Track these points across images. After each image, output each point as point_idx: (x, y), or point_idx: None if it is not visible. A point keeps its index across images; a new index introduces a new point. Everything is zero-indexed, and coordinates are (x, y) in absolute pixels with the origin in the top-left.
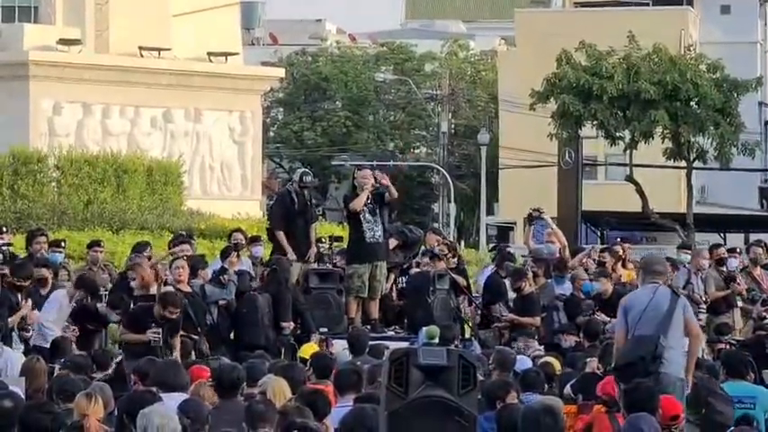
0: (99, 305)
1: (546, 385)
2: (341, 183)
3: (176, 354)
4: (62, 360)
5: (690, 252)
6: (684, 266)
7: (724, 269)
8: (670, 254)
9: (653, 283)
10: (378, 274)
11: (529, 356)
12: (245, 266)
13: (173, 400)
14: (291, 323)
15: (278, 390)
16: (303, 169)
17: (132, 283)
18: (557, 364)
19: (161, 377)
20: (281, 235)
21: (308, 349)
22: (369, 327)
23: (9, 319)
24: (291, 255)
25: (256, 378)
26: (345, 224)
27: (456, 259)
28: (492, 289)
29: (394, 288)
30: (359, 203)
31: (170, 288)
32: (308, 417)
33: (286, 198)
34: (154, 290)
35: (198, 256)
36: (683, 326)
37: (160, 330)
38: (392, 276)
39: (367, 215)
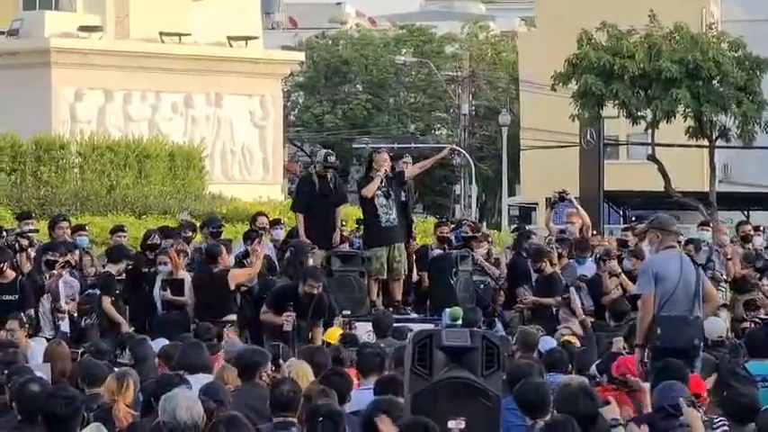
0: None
1: (570, 365)
2: (362, 165)
3: (318, 341)
4: (86, 345)
5: (709, 229)
6: (707, 245)
7: (750, 246)
8: (693, 233)
9: (671, 247)
10: (397, 255)
11: (559, 331)
12: (267, 250)
13: (197, 382)
14: None
15: (301, 373)
16: (326, 150)
17: (161, 268)
18: (577, 343)
19: (185, 359)
20: (300, 218)
21: (333, 333)
22: (392, 309)
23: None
24: (303, 239)
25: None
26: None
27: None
28: (514, 270)
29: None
30: (370, 190)
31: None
32: (333, 399)
33: (307, 181)
34: (180, 274)
35: (223, 241)
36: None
37: (293, 315)
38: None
39: (381, 199)
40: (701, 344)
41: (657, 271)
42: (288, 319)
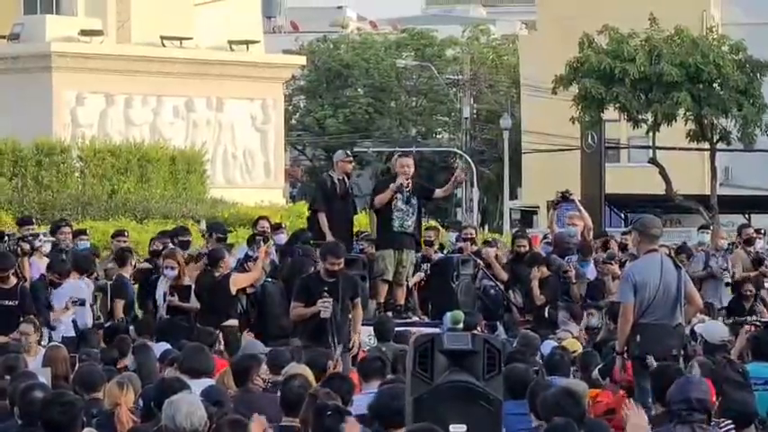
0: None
1: (571, 368)
2: (363, 169)
3: (359, 326)
4: (84, 350)
5: (710, 231)
6: (702, 250)
7: (752, 249)
8: (693, 236)
9: (653, 251)
10: (404, 260)
11: (558, 335)
12: (272, 254)
13: (199, 386)
14: None
15: None
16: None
17: (167, 272)
18: (574, 347)
19: (188, 363)
20: (322, 217)
21: None
22: (393, 312)
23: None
24: (330, 239)
25: (281, 366)
26: (367, 210)
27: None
28: (508, 274)
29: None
30: (381, 201)
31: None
32: (338, 402)
33: (327, 181)
34: (187, 280)
35: (226, 246)
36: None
37: (331, 301)
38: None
39: (399, 203)
40: (681, 352)
41: (637, 279)
42: (325, 305)
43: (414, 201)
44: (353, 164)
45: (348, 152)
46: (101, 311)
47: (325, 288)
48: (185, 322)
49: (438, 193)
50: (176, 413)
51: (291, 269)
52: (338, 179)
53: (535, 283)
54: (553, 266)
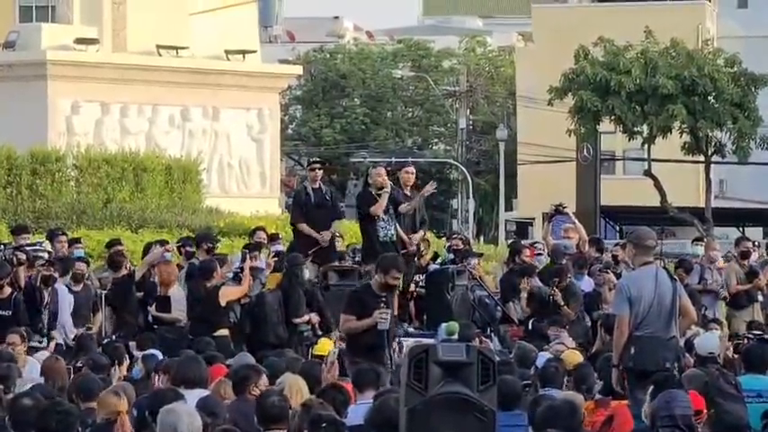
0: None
1: (565, 380)
2: (360, 180)
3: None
4: (84, 358)
5: (704, 244)
6: (697, 264)
7: (746, 263)
8: (687, 248)
9: (648, 264)
10: None
11: (550, 348)
12: (262, 265)
13: (193, 396)
14: (307, 317)
15: (295, 387)
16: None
17: (156, 279)
18: (575, 359)
19: (182, 373)
20: (303, 226)
21: (323, 346)
22: None
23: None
24: (324, 241)
25: (275, 376)
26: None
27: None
28: (504, 286)
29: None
30: (379, 208)
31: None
32: (331, 413)
33: (302, 193)
34: (171, 291)
35: (218, 256)
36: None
37: (389, 312)
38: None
39: (381, 213)
40: (675, 365)
41: (632, 291)
42: (383, 318)
43: (390, 210)
44: (318, 170)
45: (312, 160)
46: (93, 323)
47: (382, 300)
48: (175, 333)
49: (402, 208)
50: (178, 421)
51: (287, 279)
52: (313, 189)
53: (523, 295)
54: (537, 295)
